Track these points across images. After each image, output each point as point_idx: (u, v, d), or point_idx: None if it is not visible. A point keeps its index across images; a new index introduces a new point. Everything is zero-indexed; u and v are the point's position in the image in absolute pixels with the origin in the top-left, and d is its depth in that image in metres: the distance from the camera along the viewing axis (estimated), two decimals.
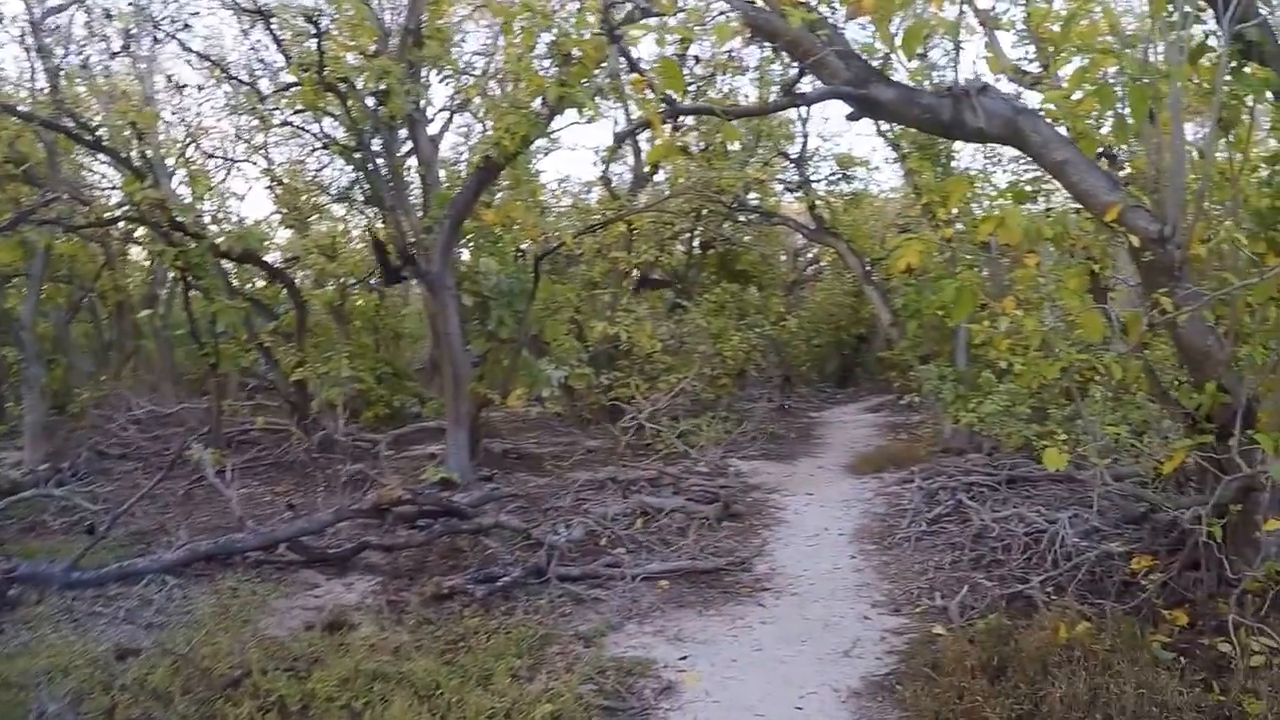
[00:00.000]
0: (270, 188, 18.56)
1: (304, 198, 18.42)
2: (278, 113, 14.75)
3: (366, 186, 13.29)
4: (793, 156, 18.72)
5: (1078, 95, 6.44)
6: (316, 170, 18.74)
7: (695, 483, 11.37)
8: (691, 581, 7.85)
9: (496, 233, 13.70)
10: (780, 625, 6.92)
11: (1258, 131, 6.40)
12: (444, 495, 10.66)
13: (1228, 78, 5.95)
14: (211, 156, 17.68)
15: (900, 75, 6.12)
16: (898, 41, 5.68)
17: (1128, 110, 6.25)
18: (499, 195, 14.22)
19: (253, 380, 18.93)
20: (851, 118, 6.09)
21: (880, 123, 15.65)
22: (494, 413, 15.40)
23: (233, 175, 19.55)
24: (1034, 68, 15.36)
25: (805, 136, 18.90)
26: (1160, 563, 6.90)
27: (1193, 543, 6.82)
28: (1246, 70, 6.21)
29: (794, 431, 18.17)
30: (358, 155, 12.37)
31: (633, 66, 7.08)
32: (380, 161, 12.38)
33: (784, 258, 28.48)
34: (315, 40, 11.40)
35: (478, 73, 14.57)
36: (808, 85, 6.58)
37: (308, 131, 15.52)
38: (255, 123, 16.73)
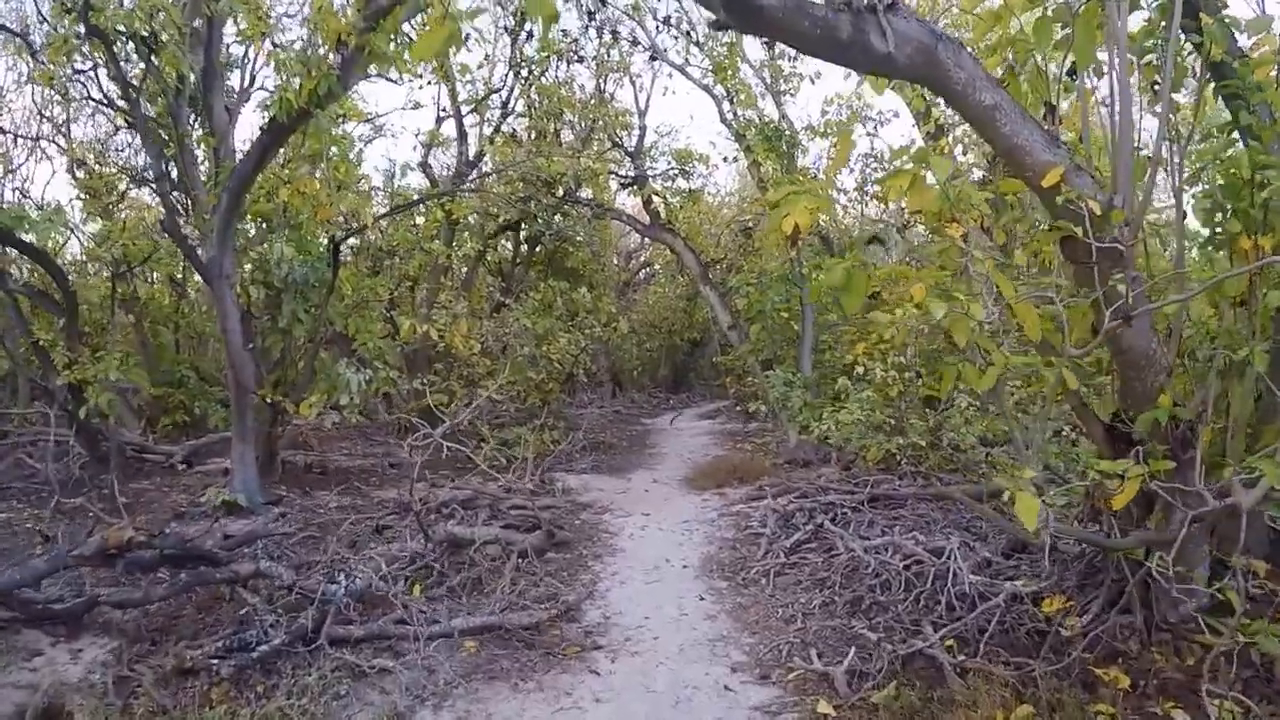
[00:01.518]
0: (71, 170, 15.62)
1: (104, 181, 15.51)
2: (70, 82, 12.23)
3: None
4: (628, 149, 17.22)
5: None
6: (122, 151, 16.07)
7: (516, 503, 9.58)
8: (506, 640, 6.05)
9: (298, 216, 11.53)
10: (619, 703, 5.21)
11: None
12: (219, 525, 8.59)
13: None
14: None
15: None
16: None
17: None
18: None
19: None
20: (716, 26, 4.47)
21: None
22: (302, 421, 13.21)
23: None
24: None
25: (643, 130, 17.46)
26: (1075, 603, 5.63)
27: (1111, 580, 5.61)
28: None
29: (626, 440, 16.62)
30: (130, 119, 10.05)
31: None
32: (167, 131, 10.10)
33: (616, 261, 27.05)
34: None
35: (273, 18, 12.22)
36: None
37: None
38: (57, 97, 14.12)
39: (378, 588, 6.54)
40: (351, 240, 16.04)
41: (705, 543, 8.76)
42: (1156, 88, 5.20)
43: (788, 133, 13.83)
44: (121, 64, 10.41)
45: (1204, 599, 5.21)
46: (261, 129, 9.70)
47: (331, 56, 9.00)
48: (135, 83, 10.37)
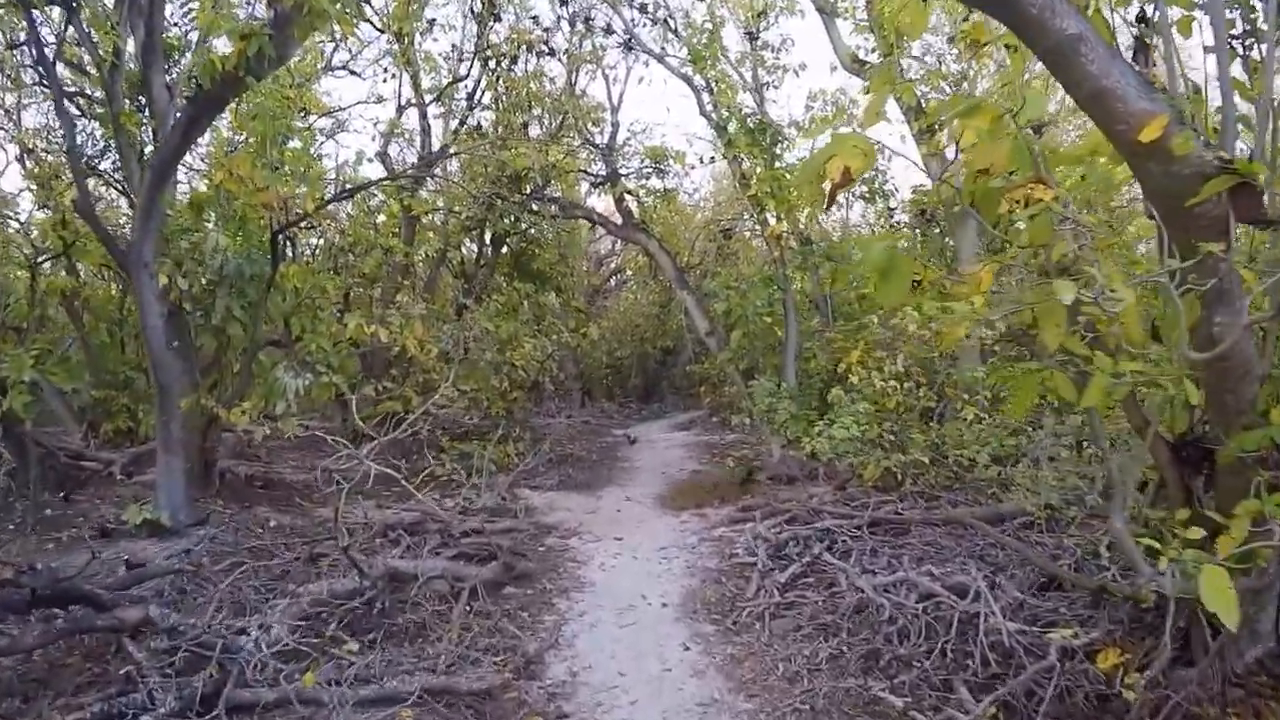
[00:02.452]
0: (20, 158, 14.28)
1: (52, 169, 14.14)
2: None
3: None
4: (600, 146, 16.13)
5: None
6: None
7: (473, 526, 8.44)
8: (450, 706, 4.91)
9: (234, 202, 10.36)
10: None
11: None
12: (126, 551, 7.39)
13: None
14: None
15: None
16: None
17: None
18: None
19: None
20: None
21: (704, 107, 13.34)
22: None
23: None
24: (875, 58, 13.58)
25: (615, 126, 16.38)
26: (1132, 656, 4.61)
27: (1176, 627, 4.58)
28: None
29: (596, 453, 15.50)
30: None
31: None
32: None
33: (586, 267, 25.93)
34: None
35: None
36: None
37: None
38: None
39: (299, 638, 5.37)
40: (315, 239, 14.97)
41: (686, 574, 7.66)
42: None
43: (771, 128, 12.80)
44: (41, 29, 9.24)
45: (1270, 642, 4.25)
46: (187, 99, 8.53)
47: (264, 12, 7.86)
48: (50, 54, 9.20)
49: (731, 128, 12.88)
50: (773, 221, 12.66)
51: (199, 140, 11.91)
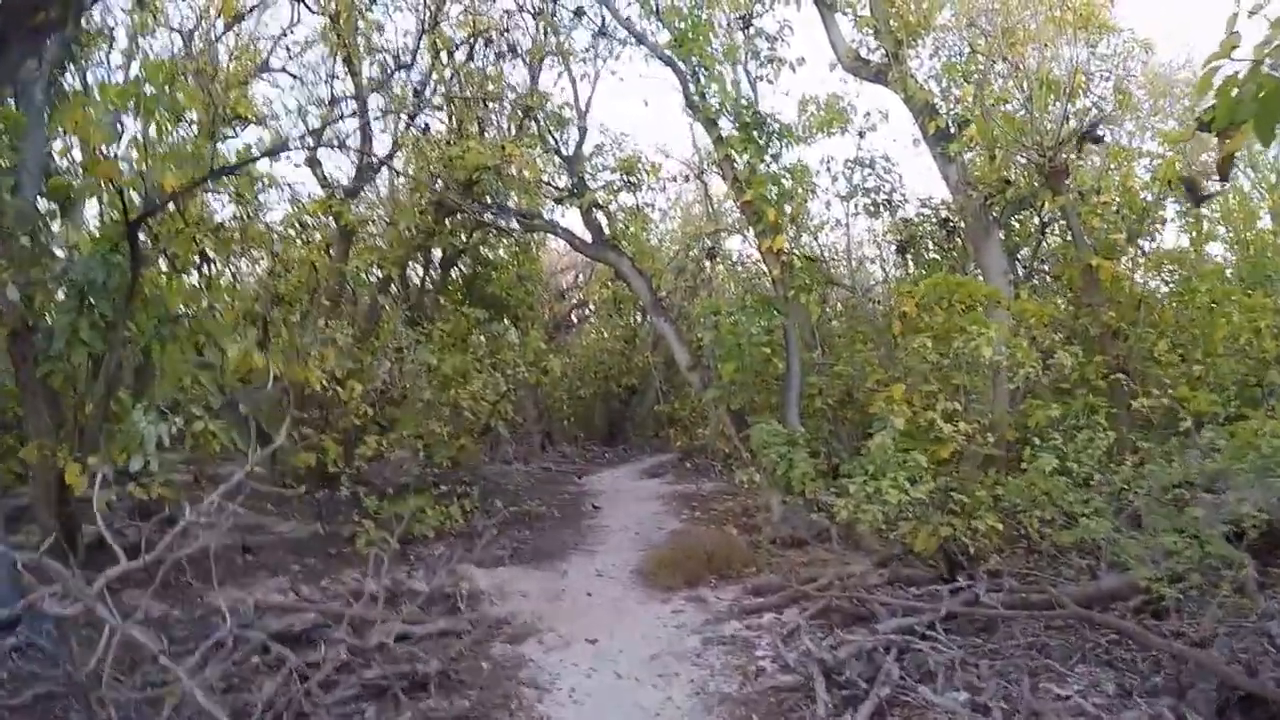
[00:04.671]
0: None
1: None
2: None
3: None
4: (564, 154, 13.69)
5: None
6: None
7: (398, 630, 5.87)
8: None
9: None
10: None
11: None
12: None
13: None
14: None
15: None
16: None
17: None
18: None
19: None
20: None
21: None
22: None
23: None
24: (877, 56, 11.39)
25: (583, 131, 13.91)
26: None
27: None
28: None
29: (558, 507, 12.90)
30: None
31: None
32: None
33: (547, 298, 23.39)
34: None
35: None
36: None
37: None
38: None
39: None
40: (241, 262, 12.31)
41: (700, 710, 5.12)
42: None
43: (770, 123, 10.50)
44: None
45: None
46: None
47: None
48: None
49: (724, 122, 10.53)
50: (769, 235, 10.28)
51: None
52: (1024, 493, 6.74)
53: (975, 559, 6.69)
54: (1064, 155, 10.73)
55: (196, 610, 7.41)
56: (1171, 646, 4.65)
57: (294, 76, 14.45)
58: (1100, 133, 10.55)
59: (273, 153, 8.95)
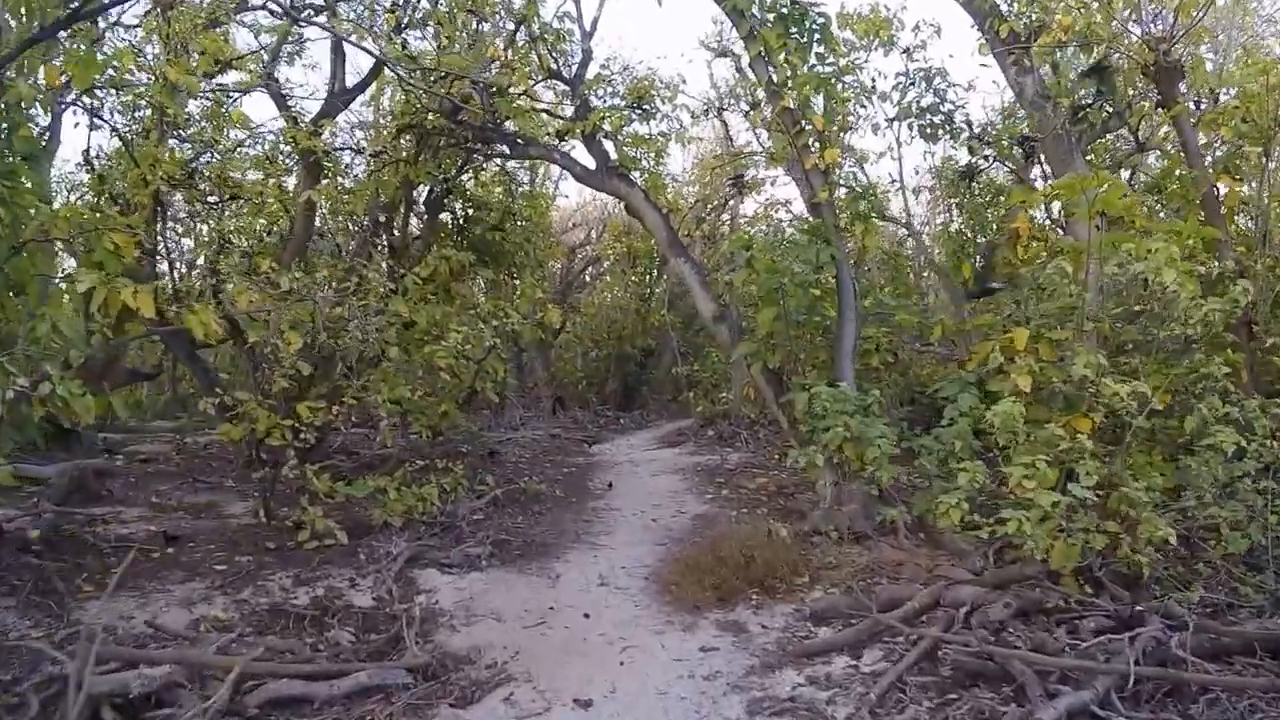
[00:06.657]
0: None
1: None
2: None
3: None
4: (566, 76, 11.40)
5: None
6: None
7: (285, 688, 3.78)
8: None
9: None
10: None
11: None
12: None
13: None
14: None
15: None
16: None
17: None
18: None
19: None
20: None
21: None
22: None
23: None
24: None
25: (587, 54, 11.55)
26: None
27: None
28: None
29: (561, 483, 10.78)
30: None
31: None
32: None
33: (554, 253, 21.05)
34: None
35: None
36: None
37: None
38: None
39: None
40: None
41: None
42: None
43: (812, 13, 8.23)
44: None
45: None
46: None
47: None
48: None
49: (755, 10, 8.19)
50: (815, 147, 8.02)
51: None
52: (1207, 483, 4.53)
53: (1136, 582, 4.50)
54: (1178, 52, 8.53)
55: (58, 628, 5.34)
56: None
57: (283, 8, 12.10)
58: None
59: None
